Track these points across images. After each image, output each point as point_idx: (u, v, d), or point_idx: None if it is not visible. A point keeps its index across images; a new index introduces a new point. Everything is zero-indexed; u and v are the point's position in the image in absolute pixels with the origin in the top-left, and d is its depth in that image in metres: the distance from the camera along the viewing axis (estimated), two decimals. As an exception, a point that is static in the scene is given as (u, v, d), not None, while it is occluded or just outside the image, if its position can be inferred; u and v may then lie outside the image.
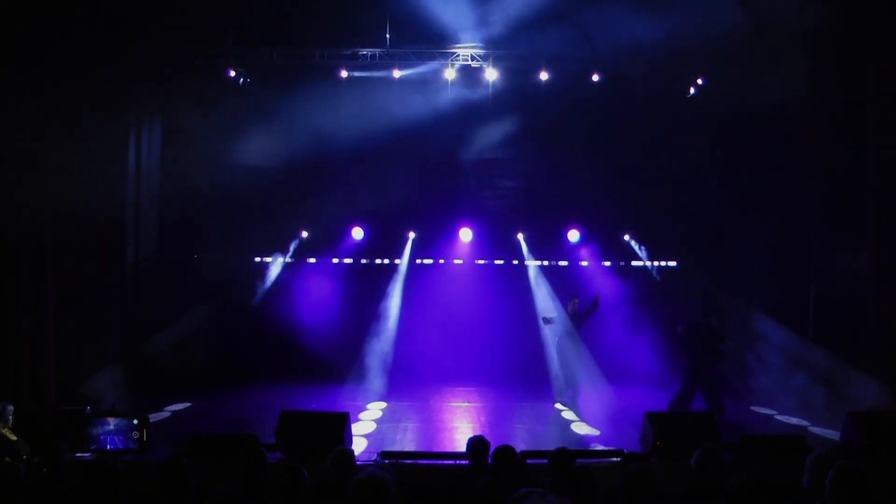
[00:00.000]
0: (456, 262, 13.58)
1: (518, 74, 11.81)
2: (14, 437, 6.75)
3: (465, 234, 13.19)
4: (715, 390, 9.67)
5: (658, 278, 13.50)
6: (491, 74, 11.57)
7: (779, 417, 10.25)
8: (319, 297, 12.97)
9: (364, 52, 11.48)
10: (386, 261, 13.57)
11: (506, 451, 4.57)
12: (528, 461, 6.88)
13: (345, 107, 12.11)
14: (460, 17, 11.00)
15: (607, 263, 13.36)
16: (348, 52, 11.55)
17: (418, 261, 13.60)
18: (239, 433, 7.53)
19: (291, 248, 13.41)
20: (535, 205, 13.16)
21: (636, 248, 13.49)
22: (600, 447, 8.38)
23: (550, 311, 11.79)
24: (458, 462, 7.02)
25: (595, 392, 11.10)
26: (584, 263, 13.42)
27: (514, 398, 11.42)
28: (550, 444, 7.62)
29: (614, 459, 7.29)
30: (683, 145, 12.44)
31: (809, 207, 10.88)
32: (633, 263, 13.53)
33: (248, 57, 11.64)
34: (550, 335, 11.47)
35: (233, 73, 11.66)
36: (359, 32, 11.28)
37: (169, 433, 8.35)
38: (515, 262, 13.57)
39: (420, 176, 12.81)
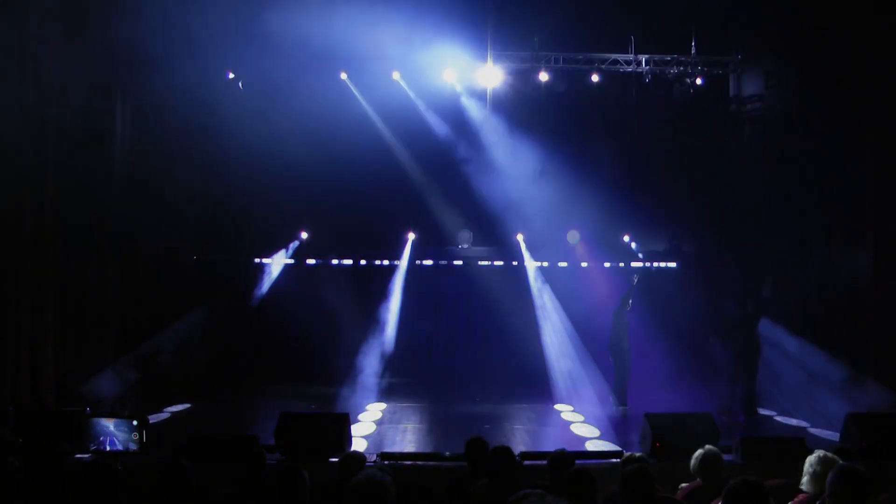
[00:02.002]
0: (455, 262, 13.58)
1: (518, 75, 11.84)
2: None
3: (465, 235, 13.19)
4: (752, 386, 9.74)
5: (657, 279, 13.49)
6: (491, 75, 11.62)
7: (778, 418, 10.26)
8: (319, 297, 12.96)
9: (364, 53, 11.50)
10: (386, 262, 13.57)
11: (502, 451, 4.56)
12: (528, 462, 6.89)
13: (344, 107, 12.13)
14: (461, 18, 11.04)
15: (607, 264, 13.38)
16: (347, 53, 11.56)
17: (418, 262, 13.61)
18: (238, 434, 7.53)
19: (291, 248, 13.42)
20: (535, 206, 13.15)
21: (635, 249, 13.50)
22: (599, 448, 8.39)
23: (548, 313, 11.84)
24: (457, 463, 7.02)
25: (595, 393, 11.12)
26: (585, 264, 13.43)
27: (514, 398, 11.42)
28: (550, 446, 7.64)
29: (613, 461, 7.28)
30: (683, 145, 12.45)
31: (809, 207, 10.88)
32: (633, 264, 13.54)
33: (246, 58, 11.65)
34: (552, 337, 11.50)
35: (231, 75, 11.67)
36: (358, 33, 11.29)
37: (168, 434, 8.35)
38: (515, 262, 13.57)
39: (420, 177, 12.84)
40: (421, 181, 12.84)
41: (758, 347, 10.14)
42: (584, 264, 13.43)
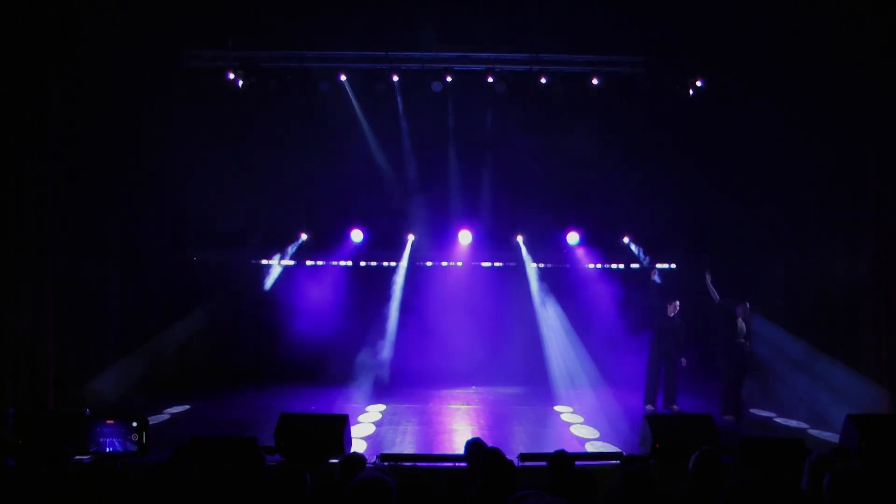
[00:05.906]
0: (455, 264, 13.58)
1: (516, 77, 11.85)
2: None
3: (465, 237, 13.20)
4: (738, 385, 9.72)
5: (658, 280, 13.48)
6: (490, 78, 11.65)
7: (778, 420, 10.25)
8: (319, 298, 12.97)
9: (364, 56, 11.52)
10: (385, 263, 13.57)
11: (493, 453, 4.58)
12: (528, 464, 6.89)
13: (343, 108, 12.14)
14: (459, 20, 11.05)
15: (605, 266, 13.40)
16: (347, 55, 11.57)
17: (418, 263, 13.61)
18: (238, 435, 7.53)
19: (290, 249, 13.42)
20: (535, 207, 13.17)
21: (635, 250, 13.49)
22: (599, 449, 8.39)
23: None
24: (457, 464, 7.03)
25: (595, 394, 11.11)
26: (584, 266, 13.44)
27: (514, 400, 11.42)
28: (550, 447, 7.63)
29: (613, 462, 7.28)
30: (683, 146, 12.45)
31: (809, 208, 10.88)
32: (633, 266, 13.54)
33: (246, 59, 11.65)
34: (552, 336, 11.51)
35: (231, 76, 11.67)
36: (359, 36, 11.30)
37: (168, 435, 8.35)
38: (514, 263, 13.57)
39: (419, 178, 12.85)
40: (421, 182, 12.86)
41: (730, 348, 10.12)
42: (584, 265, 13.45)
